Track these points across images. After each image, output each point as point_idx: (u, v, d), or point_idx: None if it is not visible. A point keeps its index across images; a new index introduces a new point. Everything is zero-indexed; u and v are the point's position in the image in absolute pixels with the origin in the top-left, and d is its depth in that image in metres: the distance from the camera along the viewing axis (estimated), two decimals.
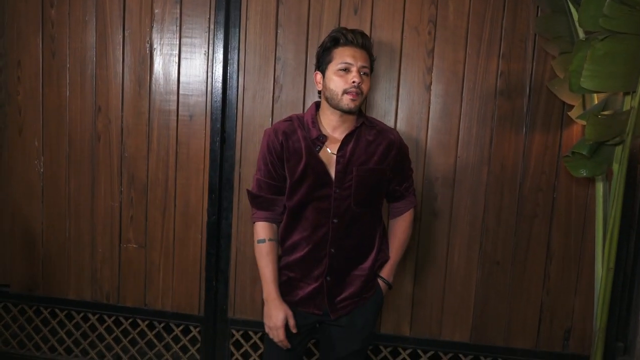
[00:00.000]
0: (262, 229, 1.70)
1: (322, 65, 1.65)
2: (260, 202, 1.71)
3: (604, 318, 1.88)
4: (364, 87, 1.59)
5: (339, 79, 1.58)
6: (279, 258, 1.75)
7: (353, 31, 1.62)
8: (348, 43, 1.59)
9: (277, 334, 1.65)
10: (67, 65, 2.40)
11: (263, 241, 1.70)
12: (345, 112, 1.61)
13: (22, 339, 2.59)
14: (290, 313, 1.66)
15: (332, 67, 1.60)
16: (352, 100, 1.57)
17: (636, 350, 2.17)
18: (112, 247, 2.46)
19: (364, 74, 1.59)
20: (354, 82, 1.56)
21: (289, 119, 1.71)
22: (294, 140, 1.65)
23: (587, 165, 1.84)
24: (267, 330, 1.69)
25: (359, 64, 1.58)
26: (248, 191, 1.74)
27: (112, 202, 2.43)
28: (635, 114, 1.69)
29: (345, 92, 1.57)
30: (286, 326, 1.67)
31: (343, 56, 1.58)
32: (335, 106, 1.61)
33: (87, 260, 2.48)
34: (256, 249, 1.71)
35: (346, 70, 1.58)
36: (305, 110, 2.09)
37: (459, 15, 2.16)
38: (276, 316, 1.64)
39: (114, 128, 2.40)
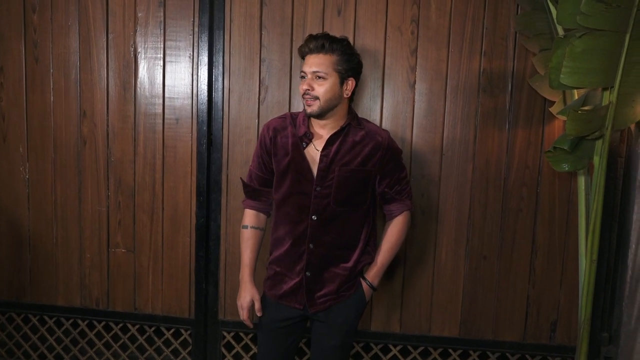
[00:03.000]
0: (248, 216, 1.85)
1: None
2: (249, 191, 1.85)
3: (589, 309, 1.91)
4: (319, 91, 1.64)
5: (300, 86, 1.68)
6: (270, 252, 1.83)
7: (313, 38, 1.66)
8: (307, 53, 1.68)
9: (241, 313, 1.81)
10: (51, 71, 2.38)
11: (246, 227, 1.84)
12: (309, 115, 1.69)
13: (11, 347, 2.56)
14: (257, 297, 1.79)
15: None
16: (308, 105, 1.66)
17: (621, 340, 2.21)
18: (100, 252, 2.45)
19: (318, 77, 1.64)
20: (303, 89, 1.65)
21: (283, 116, 1.80)
22: (282, 136, 1.73)
23: (569, 160, 1.87)
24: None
25: (311, 70, 1.64)
26: (241, 179, 1.89)
27: (100, 207, 2.42)
28: (613, 108, 1.73)
29: (303, 97, 1.67)
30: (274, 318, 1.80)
31: (303, 66, 1.69)
32: None
33: (75, 265, 2.47)
34: (240, 233, 1.85)
35: (303, 78, 1.68)
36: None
37: (441, 14, 2.19)
38: (244, 298, 1.79)
39: (99, 132, 2.38)
